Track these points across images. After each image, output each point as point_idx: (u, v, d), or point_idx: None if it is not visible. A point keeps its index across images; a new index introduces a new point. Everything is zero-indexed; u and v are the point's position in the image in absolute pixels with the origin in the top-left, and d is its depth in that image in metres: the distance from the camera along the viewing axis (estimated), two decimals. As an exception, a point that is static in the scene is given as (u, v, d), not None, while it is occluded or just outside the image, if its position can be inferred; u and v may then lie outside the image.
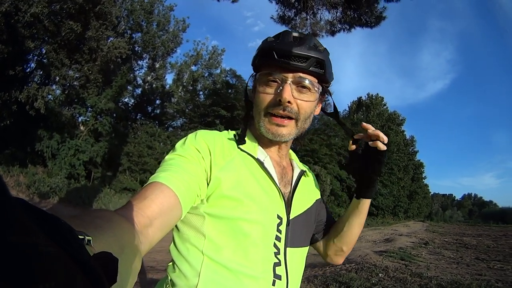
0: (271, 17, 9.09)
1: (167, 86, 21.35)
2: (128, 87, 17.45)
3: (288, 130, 1.02)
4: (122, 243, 0.50)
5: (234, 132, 1.14)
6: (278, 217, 1.00)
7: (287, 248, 1.01)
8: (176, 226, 0.98)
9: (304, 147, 23.02)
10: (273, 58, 0.98)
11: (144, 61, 19.57)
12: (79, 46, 12.70)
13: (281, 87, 0.98)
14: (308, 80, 1.00)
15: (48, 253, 0.21)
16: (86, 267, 0.25)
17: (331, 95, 1.15)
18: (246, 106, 1.17)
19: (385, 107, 41.67)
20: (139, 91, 19.96)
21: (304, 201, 1.14)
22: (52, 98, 13.43)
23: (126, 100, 18.57)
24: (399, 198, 34.48)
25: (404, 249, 11.10)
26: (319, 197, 1.27)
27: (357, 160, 1.14)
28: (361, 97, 42.90)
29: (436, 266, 8.24)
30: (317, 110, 1.14)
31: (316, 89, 1.03)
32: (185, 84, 22.03)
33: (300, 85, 1.00)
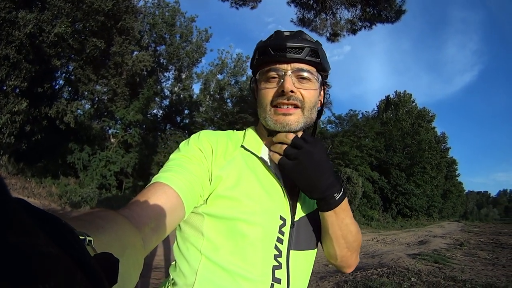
0: (291, 21, 8.87)
1: (195, 96, 21.47)
2: (156, 98, 17.71)
3: (296, 117, 0.99)
4: (123, 243, 0.50)
5: (240, 131, 1.14)
6: (281, 218, 0.97)
7: (291, 251, 0.97)
8: (179, 225, 0.98)
9: (335, 149, 22.71)
10: (270, 53, 0.99)
11: (170, 72, 19.78)
12: (105, 62, 12.88)
13: (282, 80, 0.98)
14: (306, 69, 1.00)
15: (48, 253, 0.21)
16: (86, 268, 0.25)
17: (329, 88, 1.16)
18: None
19: (414, 104, 40.12)
20: (167, 102, 20.20)
21: (312, 201, 1.07)
22: (81, 113, 13.74)
23: (154, 111, 18.85)
24: (433, 198, 32.84)
25: (438, 251, 10.73)
26: None
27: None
28: (389, 95, 41.41)
29: (471, 268, 7.96)
30: (319, 103, 1.12)
31: (316, 78, 1.02)
32: (212, 92, 22.12)
33: (299, 76, 0.99)
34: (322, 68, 1.04)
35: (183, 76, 20.43)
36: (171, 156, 0.95)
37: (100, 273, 0.27)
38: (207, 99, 21.63)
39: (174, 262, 1.02)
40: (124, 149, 14.92)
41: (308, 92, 1.00)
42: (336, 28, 8.70)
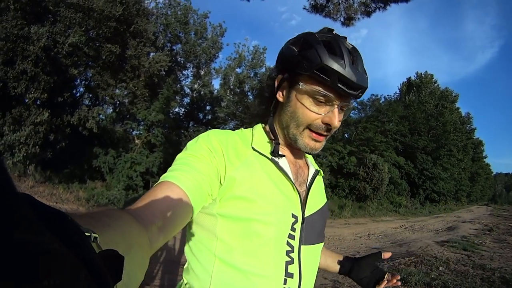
0: (304, 8, 8.39)
1: (215, 92, 21.37)
2: (176, 97, 17.72)
3: (323, 144, 1.02)
4: (130, 241, 0.49)
5: (247, 130, 1.12)
6: (293, 216, 0.97)
7: (302, 246, 0.98)
8: (190, 227, 0.98)
9: (359, 136, 22.39)
10: (334, 82, 0.90)
11: (189, 70, 19.62)
12: (122, 66, 12.87)
13: (330, 111, 0.95)
14: (351, 104, 1.01)
15: (52, 250, 0.21)
16: (90, 265, 0.25)
17: None
18: (265, 103, 1.14)
19: (436, 84, 38.58)
20: (188, 100, 20.19)
21: (318, 200, 1.12)
22: (103, 118, 13.82)
23: (176, 110, 18.89)
24: (461, 181, 31.67)
25: (467, 237, 10.57)
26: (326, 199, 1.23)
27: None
28: (410, 77, 39.74)
29: (500, 255, 7.79)
30: None
31: (349, 110, 1.03)
32: (232, 87, 21.85)
33: (342, 108, 0.98)
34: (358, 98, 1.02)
35: (202, 73, 20.28)
36: (179, 156, 0.92)
37: (105, 270, 0.27)
38: (227, 94, 21.46)
39: (186, 265, 1.01)
40: (148, 149, 14.80)
41: (341, 121, 0.99)
42: (350, 12, 8.29)
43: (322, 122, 0.96)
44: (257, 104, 1.19)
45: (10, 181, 0.21)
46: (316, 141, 0.99)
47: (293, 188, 1.00)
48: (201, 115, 20.60)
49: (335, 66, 0.88)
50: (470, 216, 19.76)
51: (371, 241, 9.71)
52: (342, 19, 8.46)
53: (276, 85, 1.04)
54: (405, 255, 7.35)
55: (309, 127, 0.97)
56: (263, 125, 1.13)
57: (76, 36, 9.83)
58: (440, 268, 6.22)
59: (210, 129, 1.02)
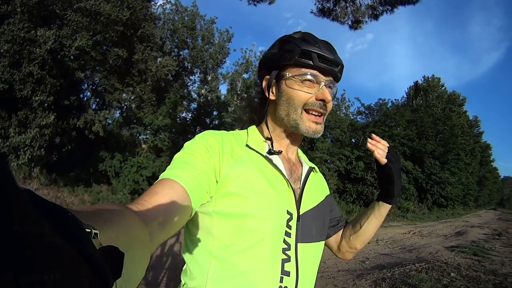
0: (311, 12, 8.39)
1: (222, 97, 21.35)
2: (184, 102, 17.65)
3: (322, 126, 1.07)
4: (130, 237, 0.49)
5: (242, 131, 1.14)
6: (288, 212, 0.98)
7: (298, 244, 0.99)
8: (187, 227, 0.98)
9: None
10: (315, 61, 1.01)
11: (196, 75, 19.58)
12: (129, 70, 12.85)
13: (320, 89, 1.02)
14: (334, 82, 1.08)
15: (54, 245, 0.21)
16: (91, 261, 0.25)
17: None
18: (258, 108, 1.20)
19: (443, 88, 38.17)
20: (195, 105, 20.15)
21: (315, 196, 1.12)
22: (110, 122, 13.75)
23: (183, 115, 18.84)
24: (469, 186, 31.12)
25: (477, 242, 10.38)
26: (329, 193, 1.27)
27: (379, 167, 1.16)
28: (417, 81, 39.66)
29: (511, 260, 7.50)
30: None
31: (335, 90, 1.10)
32: (239, 92, 21.84)
33: (328, 87, 1.05)
34: (338, 81, 1.11)
35: (209, 78, 20.23)
36: (177, 155, 0.92)
37: (105, 266, 0.28)
38: (234, 99, 21.42)
39: (184, 267, 1.00)
40: (155, 154, 14.71)
41: (331, 102, 1.06)
42: (357, 15, 8.20)
43: (316, 99, 1.02)
44: (248, 112, 1.28)
45: (11, 175, 0.20)
46: (317, 123, 1.04)
47: (288, 184, 1.01)
48: (208, 120, 20.54)
49: (312, 48, 1.00)
50: (478, 221, 19.45)
51: (379, 247, 9.50)
52: (349, 22, 8.39)
53: (264, 86, 1.11)
54: (415, 261, 7.15)
55: (305, 108, 1.03)
56: (257, 126, 1.17)
57: (83, 40, 9.77)
58: (452, 274, 6.01)
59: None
